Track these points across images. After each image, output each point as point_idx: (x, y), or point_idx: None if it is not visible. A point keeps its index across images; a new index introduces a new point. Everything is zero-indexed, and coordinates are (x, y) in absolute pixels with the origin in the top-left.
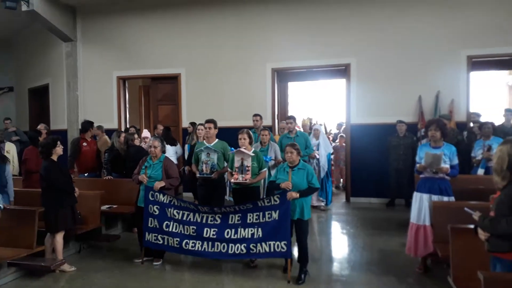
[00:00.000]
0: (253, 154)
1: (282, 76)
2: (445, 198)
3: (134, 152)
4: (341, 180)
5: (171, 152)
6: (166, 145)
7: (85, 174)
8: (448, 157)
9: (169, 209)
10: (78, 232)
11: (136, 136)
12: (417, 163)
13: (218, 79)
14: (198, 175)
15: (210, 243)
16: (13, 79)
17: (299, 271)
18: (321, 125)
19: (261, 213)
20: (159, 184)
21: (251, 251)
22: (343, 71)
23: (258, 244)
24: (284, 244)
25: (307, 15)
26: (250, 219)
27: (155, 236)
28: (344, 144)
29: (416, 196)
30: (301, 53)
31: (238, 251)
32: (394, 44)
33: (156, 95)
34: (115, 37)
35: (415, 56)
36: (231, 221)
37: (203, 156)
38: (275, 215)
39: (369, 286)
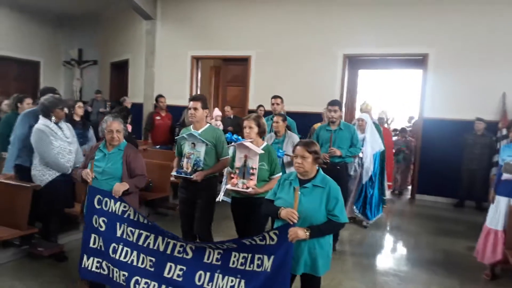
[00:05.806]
0: (262, 151)
1: (353, 63)
2: None
3: None
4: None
5: None
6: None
7: (157, 146)
8: None
9: (122, 225)
10: (148, 199)
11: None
12: (500, 165)
13: (287, 63)
14: (173, 173)
15: None
16: (97, 53)
17: None
18: (383, 114)
19: (249, 256)
20: (121, 187)
21: None
22: (420, 61)
23: None
24: None
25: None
26: (233, 262)
27: (98, 262)
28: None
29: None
30: (375, 40)
31: None
32: (477, 34)
33: (226, 76)
34: (192, 17)
35: (501, 48)
36: (208, 258)
37: (186, 147)
38: (267, 263)
39: (428, 286)
